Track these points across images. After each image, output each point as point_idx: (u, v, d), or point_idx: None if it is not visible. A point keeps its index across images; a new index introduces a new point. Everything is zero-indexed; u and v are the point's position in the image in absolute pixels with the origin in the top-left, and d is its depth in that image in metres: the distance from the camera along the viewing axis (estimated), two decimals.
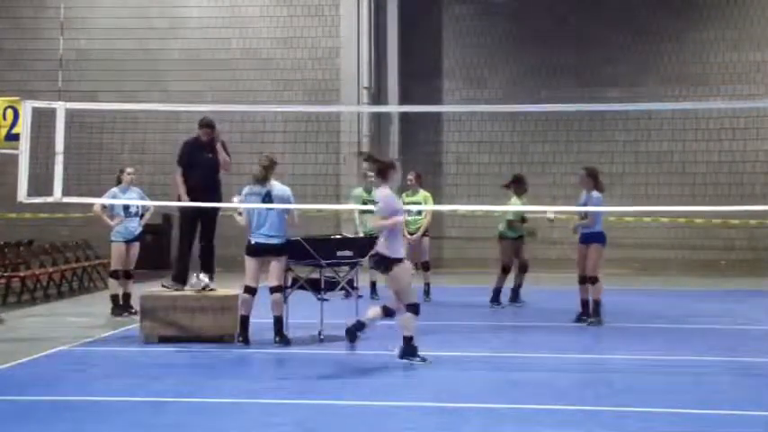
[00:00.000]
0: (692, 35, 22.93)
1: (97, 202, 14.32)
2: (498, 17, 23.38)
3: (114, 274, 14.56)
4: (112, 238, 14.52)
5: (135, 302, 13.39)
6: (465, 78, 23.59)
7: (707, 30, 22.85)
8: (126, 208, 14.37)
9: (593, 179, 13.54)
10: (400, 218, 10.68)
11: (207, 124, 12.96)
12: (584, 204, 13.52)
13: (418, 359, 10.42)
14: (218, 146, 12.90)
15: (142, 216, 14.74)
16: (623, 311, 14.81)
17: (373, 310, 10.59)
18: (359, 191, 16.48)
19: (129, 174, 14.52)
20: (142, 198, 14.58)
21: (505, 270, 15.34)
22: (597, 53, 22.81)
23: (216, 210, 12.80)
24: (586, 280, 13.46)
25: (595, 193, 13.44)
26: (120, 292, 14.45)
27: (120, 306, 14.37)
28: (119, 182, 14.60)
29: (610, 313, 13.57)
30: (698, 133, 22.41)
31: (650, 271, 21.50)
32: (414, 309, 10.44)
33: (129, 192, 14.50)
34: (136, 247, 14.67)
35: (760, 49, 22.70)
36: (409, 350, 10.46)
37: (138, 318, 12.91)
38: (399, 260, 10.48)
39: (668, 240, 22.61)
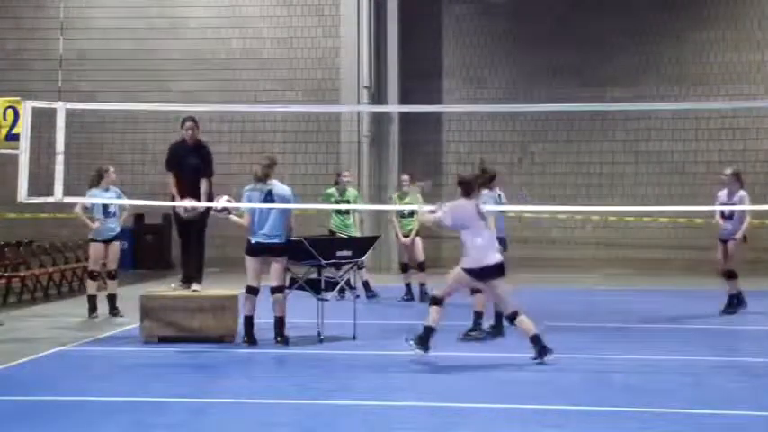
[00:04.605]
0: (692, 35, 22.93)
1: (97, 202, 14.30)
2: (498, 17, 23.38)
3: (92, 275, 14.46)
4: (90, 237, 14.51)
5: (136, 303, 13.35)
6: (465, 78, 23.59)
7: (707, 30, 22.85)
8: (105, 208, 14.32)
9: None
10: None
11: (189, 118, 12.57)
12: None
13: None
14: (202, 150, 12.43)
15: (118, 215, 14.65)
16: (623, 311, 14.83)
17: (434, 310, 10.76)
18: (332, 190, 16.39)
19: (113, 173, 14.48)
20: (120, 198, 14.53)
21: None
22: (597, 53, 22.81)
23: (201, 221, 12.49)
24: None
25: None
26: (96, 292, 14.32)
27: (96, 307, 14.22)
28: (94, 183, 14.46)
29: (610, 313, 13.57)
30: (698, 133, 22.44)
31: (650, 271, 21.48)
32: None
33: (109, 192, 14.42)
34: (115, 246, 14.61)
35: (760, 50, 22.70)
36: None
37: (125, 319, 12.99)
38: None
39: (668, 240, 22.59)
